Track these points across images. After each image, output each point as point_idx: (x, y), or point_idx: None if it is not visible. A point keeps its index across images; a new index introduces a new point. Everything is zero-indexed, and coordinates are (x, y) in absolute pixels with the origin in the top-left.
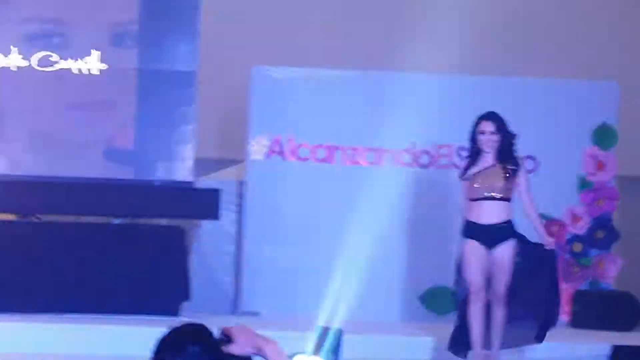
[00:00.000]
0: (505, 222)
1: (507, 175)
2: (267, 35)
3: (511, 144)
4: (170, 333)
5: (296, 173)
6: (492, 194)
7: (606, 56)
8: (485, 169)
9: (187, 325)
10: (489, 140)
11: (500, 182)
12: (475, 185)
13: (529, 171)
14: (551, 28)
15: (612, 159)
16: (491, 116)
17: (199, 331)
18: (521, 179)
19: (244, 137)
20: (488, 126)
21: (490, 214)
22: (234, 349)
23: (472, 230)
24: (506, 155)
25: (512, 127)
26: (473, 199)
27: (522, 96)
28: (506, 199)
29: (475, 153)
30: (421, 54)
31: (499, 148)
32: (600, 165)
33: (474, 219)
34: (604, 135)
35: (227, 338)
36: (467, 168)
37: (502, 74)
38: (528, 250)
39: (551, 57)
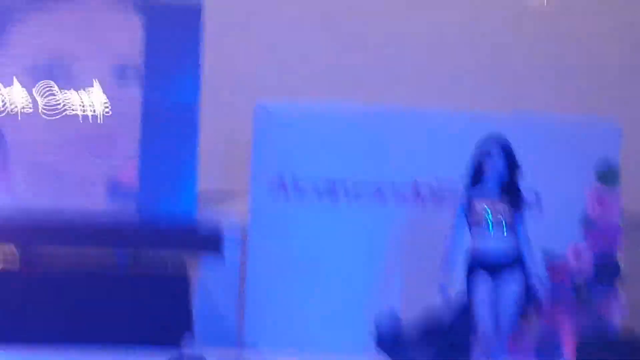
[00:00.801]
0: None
1: (512, 205)
2: (271, 70)
3: (516, 173)
4: None
5: (299, 208)
6: (500, 220)
7: (609, 93)
8: (491, 196)
9: (187, 356)
10: (494, 166)
11: (508, 211)
12: (481, 212)
13: (533, 208)
14: (555, 64)
15: (616, 197)
16: (500, 139)
17: None
18: (524, 212)
19: (248, 170)
20: (495, 150)
21: (499, 242)
22: None
23: (479, 262)
24: (511, 183)
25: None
26: (478, 226)
27: (526, 132)
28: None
29: (478, 175)
30: (424, 90)
31: (503, 175)
32: (603, 203)
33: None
34: (607, 173)
35: None
36: (470, 191)
37: (506, 110)
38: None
39: (556, 93)
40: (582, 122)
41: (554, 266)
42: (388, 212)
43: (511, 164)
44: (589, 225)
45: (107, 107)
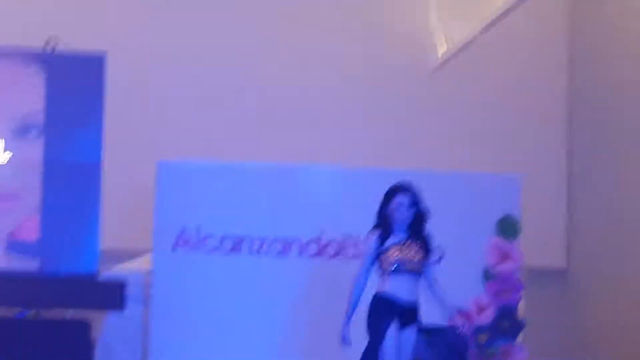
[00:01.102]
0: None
1: (421, 251)
2: (173, 128)
3: (424, 220)
4: None
5: (203, 264)
6: (412, 268)
7: (509, 148)
8: (401, 242)
9: None
10: (403, 214)
11: (417, 257)
12: (392, 258)
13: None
14: (454, 122)
15: (517, 250)
16: (408, 188)
17: None
18: (433, 257)
19: (151, 228)
20: (405, 199)
21: (409, 288)
22: None
23: (389, 307)
24: (418, 231)
25: None
26: (388, 272)
27: (428, 188)
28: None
29: (387, 223)
30: (328, 146)
31: (412, 223)
32: (504, 256)
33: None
34: (507, 227)
35: None
36: (381, 239)
37: (408, 167)
38: (437, 339)
39: (455, 151)
40: (483, 177)
41: (456, 319)
42: (293, 266)
43: (419, 210)
44: (490, 278)
45: (8, 162)
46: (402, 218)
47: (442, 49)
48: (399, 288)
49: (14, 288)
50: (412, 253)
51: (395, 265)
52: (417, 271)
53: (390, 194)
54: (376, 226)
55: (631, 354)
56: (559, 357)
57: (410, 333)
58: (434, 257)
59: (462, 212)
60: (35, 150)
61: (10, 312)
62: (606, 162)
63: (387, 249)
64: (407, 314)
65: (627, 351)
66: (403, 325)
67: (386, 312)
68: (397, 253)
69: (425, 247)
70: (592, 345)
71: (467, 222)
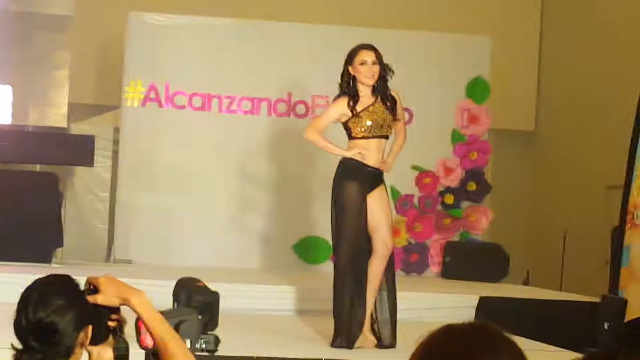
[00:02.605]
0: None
1: (389, 111)
2: None
3: (386, 79)
4: (33, 285)
5: (172, 121)
6: (382, 132)
7: (480, 11)
8: (370, 104)
9: (52, 277)
10: (370, 71)
11: (388, 119)
12: (364, 123)
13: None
14: None
15: (486, 113)
16: (372, 46)
17: (64, 283)
18: (400, 116)
19: (120, 83)
20: (370, 56)
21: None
22: (100, 299)
23: (359, 172)
24: (384, 89)
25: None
26: (360, 137)
27: (398, 49)
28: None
29: (352, 86)
30: (298, 4)
31: (377, 82)
32: (473, 119)
33: (360, 159)
34: (477, 89)
35: (93, 288)
36: (351, 103)
37: (378, 26)
38: None
39: (427, 11)
40: (453, 39)
41: (423, 180)
42: (261, 124)
43: (384, 68)
44: (458, 139)
45: None
46: (369, 76)
47: None
48: (368, 154)
49: None
50: (384, 115)
51: (368, 130)
52: (386, 135)
53: (354, 52)
54: (343, 92)
55: (591, 214)
56: (524, 219)
57: (382, 193)
58: (402, 117)
59: (432, 73)
60: (4, 1)
61: None
62: (576, 26)
63: (359, 114)
64: (375, 178)
65: (589, 212)
66: (370, 189)
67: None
68: (368, 118)
69: (393, 107)
70: (556, 205)
71: (437, 84)
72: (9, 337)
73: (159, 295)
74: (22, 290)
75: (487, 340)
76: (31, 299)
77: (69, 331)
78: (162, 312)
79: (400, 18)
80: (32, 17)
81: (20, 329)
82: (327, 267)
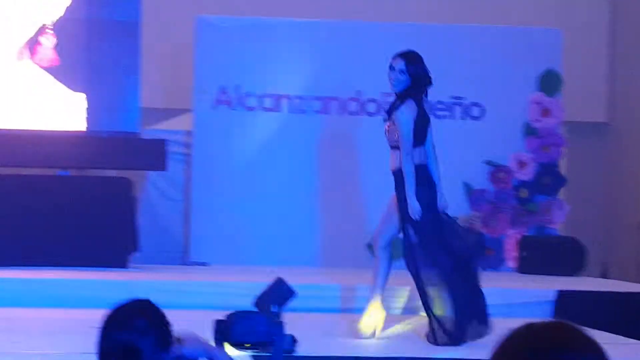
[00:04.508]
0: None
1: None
2: None
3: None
4: (116, 308)
5: (243, 122)
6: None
7: (550, 2)
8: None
9: (133, 301)
10: (391, 78)
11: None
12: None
13: (475, 118)
14: None
15: (558, 105)
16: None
17: (145, 306)
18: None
19: (191, 86)
20: (396, 63)
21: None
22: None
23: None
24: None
25: (460, 74)
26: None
27: (469, 43)
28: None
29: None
30: (367, 2)
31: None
32: (545, 112)
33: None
34: (549, 82)
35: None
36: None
37: (451, 21)
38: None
39: (497, 4)
40: (524, 32)
41: (497, 175)
42: (332, 123)
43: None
44: (531, 133)
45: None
46: (391, 83)
47: None
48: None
49: (58, 147)
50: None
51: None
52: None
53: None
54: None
55: None
56: (599, 211)
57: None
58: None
59: (504, 67)
60: (76, 10)
61: (54, 171)
62: None
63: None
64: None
65: None
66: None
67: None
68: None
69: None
70: (632, 196)
71: (509, 77)
72: (88, 343)
73: (235, 297)
74: (100, 295)
75: (567, 340)
76: (114, 320)
77: (150, 352)
78: (238, 312)
79: (470, 13)
80: (102, 25)
81: (103, 350)
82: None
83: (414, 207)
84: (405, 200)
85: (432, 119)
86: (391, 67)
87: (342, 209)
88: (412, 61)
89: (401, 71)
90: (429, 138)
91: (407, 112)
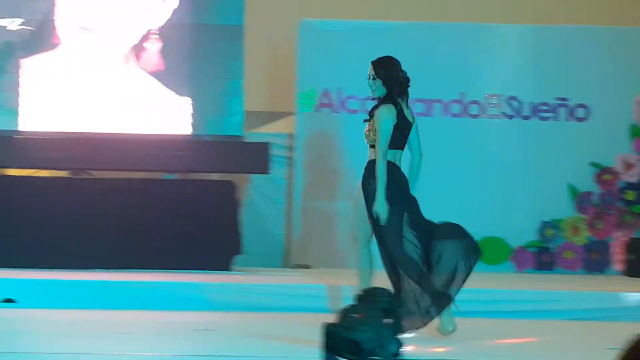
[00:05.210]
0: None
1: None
2: None
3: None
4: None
5: (346, 125)
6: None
7: None
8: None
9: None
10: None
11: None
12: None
13: (581, 119)
14: None
15: None
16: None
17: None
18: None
19: (294, 90)
20: (370, 70)
21: None
22: None
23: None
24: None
25: (565, 75)
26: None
27: (573, 44)
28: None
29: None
30: (468, 3)
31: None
32: None
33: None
34: None
35: None
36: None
37: (555, 22)
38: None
39: (599, 4)
40: (630, 32)
41: (603, 177)
42: (436, 126)
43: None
44: (637, 134)
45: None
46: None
47: None
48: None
49: (162, 151)
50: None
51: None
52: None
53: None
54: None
55: None
56: None
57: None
58: None
59: (608, 67)
60: (181, 14)
61: (158, 175)
62: None
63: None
64: None
65: None
66: None
67: None
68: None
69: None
70: None
71: (613, 78)
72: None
73: (338, 300)
74: (204, 298)
75: None
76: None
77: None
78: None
79: (572, 14)
80: (206, 29)
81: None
82: (506, 269)
83: (381, 206)
84: (372, 192)
85: (535, 120)
86: (368, 75)
87: (442, 210)
88: (382, 67)
89: (374, 77)
90: (415, 145)
91: (385, 114)
